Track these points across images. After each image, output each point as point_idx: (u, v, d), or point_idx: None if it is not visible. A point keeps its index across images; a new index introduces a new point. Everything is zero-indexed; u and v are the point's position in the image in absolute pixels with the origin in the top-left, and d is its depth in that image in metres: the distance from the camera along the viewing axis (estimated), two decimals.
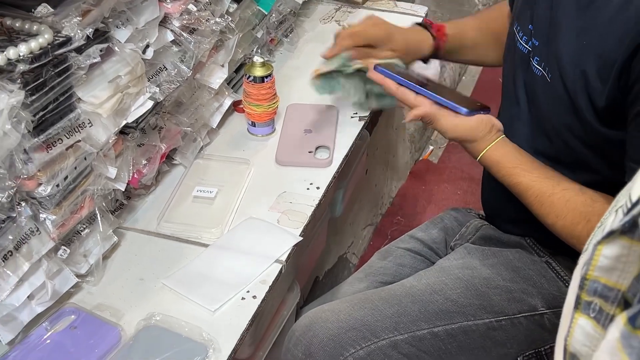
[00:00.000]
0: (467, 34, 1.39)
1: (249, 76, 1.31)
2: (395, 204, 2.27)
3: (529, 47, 1.13)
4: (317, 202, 1.21)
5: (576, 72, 1.01)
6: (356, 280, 1.39)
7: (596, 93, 0.99)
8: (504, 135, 1.13)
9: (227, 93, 1.38)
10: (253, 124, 1.36)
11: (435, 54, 1.37)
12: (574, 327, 0.51)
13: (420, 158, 2.54)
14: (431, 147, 2.59)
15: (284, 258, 1.11)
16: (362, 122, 1.39)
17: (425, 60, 1.39)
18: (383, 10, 1.73)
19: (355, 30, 1.30)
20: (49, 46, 0.89)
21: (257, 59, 1.31)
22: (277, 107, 1.36)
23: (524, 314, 1.21)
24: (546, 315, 1.21)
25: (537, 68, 1.10)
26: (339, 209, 1.63)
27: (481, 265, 1.25)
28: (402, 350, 1.15)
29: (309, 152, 1.31)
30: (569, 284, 1.17)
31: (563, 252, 1.22)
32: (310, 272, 1.66)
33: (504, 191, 1.13)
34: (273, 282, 1.08)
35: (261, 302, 1.05)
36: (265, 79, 1.31)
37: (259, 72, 1.30)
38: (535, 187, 1.07)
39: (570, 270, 1.21)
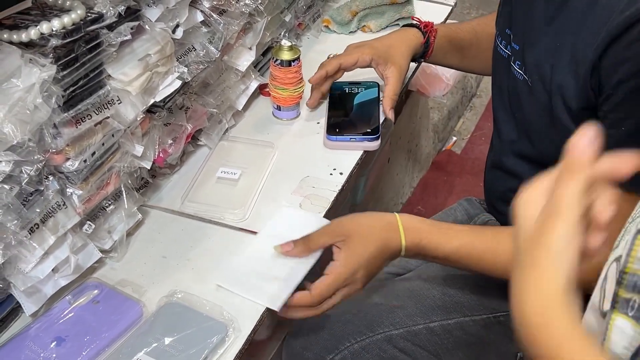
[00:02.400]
0: (458, 35, 1.39)
1: (276, 59, 1.31)
2: (416, 194, 2.27)
3: (509, 51, 1.12)
4: (340, 187, 1.21)
5: (553, 74, 0.99)
6: None
7: (570, 94, 0.96)
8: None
9: (253, 76, 1.38)
10: (278, 108, 1.37)
11: (424, 53, 1.38)
12: (611, 330, 0.48)
13: (443, 148, 2.53)
14: (454, 138, 2.58)
15: None
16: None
17: (415, 60, 1.40)
18: None
19: (341, 55, 1.35)
20: (82, 22, 0.90)
21: (285, 43, 1.31)
22: (302, 91, 1.36)
23: None
24: None
25: (519, 72, 1.08)
26: (360, 197, 1.63)
27: None
28: (398, 345, 1.15)
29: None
30: None
31: None
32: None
33: (506, 190, 1.12)
34: None
35: None
36: (293, 63, 1.31)
37: (286, 55, 1.30)
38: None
39: None
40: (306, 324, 1.17)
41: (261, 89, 1.44)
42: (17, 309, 1.00)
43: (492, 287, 1.19)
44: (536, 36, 1.03)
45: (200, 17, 1.16)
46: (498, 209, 1.26)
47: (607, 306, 0.50)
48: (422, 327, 1.16)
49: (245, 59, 1.32)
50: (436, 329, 1.16)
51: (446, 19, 1.65)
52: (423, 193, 2.28)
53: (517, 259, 0.55)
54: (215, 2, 1.16)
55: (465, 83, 2.71)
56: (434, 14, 1.67)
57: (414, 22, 1.39)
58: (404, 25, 1.42)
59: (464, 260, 1.03)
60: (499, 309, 1.18)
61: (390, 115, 1.31)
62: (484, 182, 1.29)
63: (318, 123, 1.37)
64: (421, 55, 1.39)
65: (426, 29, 1.37)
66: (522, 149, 1.12)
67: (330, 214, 1.19)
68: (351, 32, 1.63)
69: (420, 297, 1.19)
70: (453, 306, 1.18)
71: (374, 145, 1.29)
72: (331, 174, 1.24)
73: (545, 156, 1.07)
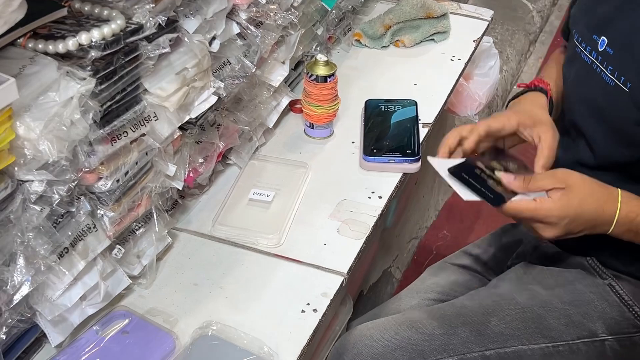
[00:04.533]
0: (559, 85, 1.26)
1: (311, 75, 1.24)
2: (441, 218, 2.20)
3: (594, 57, 1.09)
4: (379, 212, 1.15)
5: None
6: (407, 297, 1.33)
7: None
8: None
9: (284, 92, 1.32)
10: (311, 126, 1.30)
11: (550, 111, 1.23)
12: None
13: None
14: None
15: (345, 270, 1.05)
16: (426, 130, 1.33)
17: None
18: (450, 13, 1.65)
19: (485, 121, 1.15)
20: (121, 33, 0.83)
21: (321, 57, 1.24)
22: (337, 109, 1.29)
23: (583, 340, 1.13)
24: (607, 341, 1.13)
25: (612, 78, 1.06)
26: (391, 220, 1.57)
27: (539, 286, 1.19)
28: None
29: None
30: (632, 309, 1.10)
31: (627, 274, 1.16)
32: (359, 285, 1.60)
33: None
34: (334, 295, 1.02)
35: (322, 317, 0.99)
36: (328, 79, 1.25)
37: (322, 70, 1.24)
38: None
39: (635, 295, 1.14)
40: (353, 349, 1.11)
41: (291, 106, 1.38)
42: (40, 339, 0.94)
43: (552, 314, 1.14)
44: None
45: (236, 29, 1.10)
46: None
47: None
48: (478, 354, 1.10)
49: (278, 74, 1.25)
50: (492, 357, 1.10)
51: (483, 34, 1.60)
52: (449, 217, 2.21)
53: None
54: (252, 14, 1.10)
55: (491, 102, 2.65)
56: (470, 28, 1.62)
57: (534, 86, 1.25)
58: (521, 92, 1.26)
59: None
60: (559, 338, 1.12)
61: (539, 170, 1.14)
62: None
63: (353, 142, 1.30)
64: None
65: (543, 86, 1.23)
66: (605, 153, 1.11)
67: (370, 240, 1.12)
68: (383, 46, 1.57)
69: (475, 323, 1.12)
70: (510, 334, 1.12)
71: (414, 167, 1.22)
72: (369, 197, 1.18)
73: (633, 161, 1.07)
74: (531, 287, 1.18)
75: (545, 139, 1.10)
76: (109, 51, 0.82)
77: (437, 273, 1.36)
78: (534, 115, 1.14)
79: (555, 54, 1.36)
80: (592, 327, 1.13)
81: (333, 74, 1.25)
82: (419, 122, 1.32)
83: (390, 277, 1.90)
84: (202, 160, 1.12)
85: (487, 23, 1.65)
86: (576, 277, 1.18)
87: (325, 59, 1.25)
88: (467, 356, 1.10)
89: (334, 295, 1.02)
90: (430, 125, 1.34)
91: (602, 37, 1.09)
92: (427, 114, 1.36)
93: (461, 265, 1.36)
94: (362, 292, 1.70)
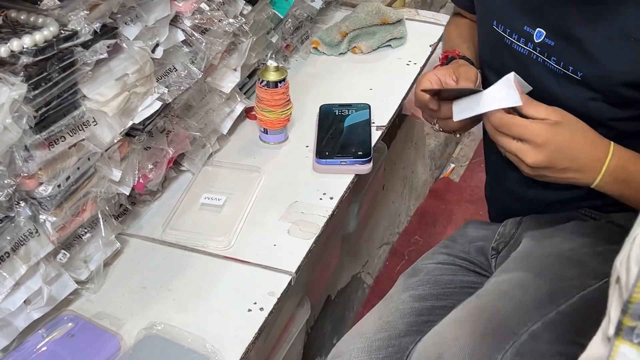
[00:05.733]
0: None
1: (262, 80, 1.27)
2: (413, 223, 2.21)
3: (530, 48, 1.11)
4: (330, 212, 1.16)
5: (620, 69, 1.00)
6: (385, 307, 1.20)
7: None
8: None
9: (239, 99, 1.34)
10: (265, 131, 1.32)
11: None
12: (615, 357, 0.47)
13: (441, 176, 2.48)
14: (452, 165, 2.53)
15: (293, 269, 1.06)
16: (379, 132, 1.34)
17: None
18: (405, 19, 1.68)
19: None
20: (54, 39, 0.85)
21: (271, 63, 1.27)
22: (290, 113, 1.31)
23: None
24: None
25: (557, 67, 1.07)
26: (353, 224, 1.58)
27: (554, 242, 1.16)
28: (544, 339, 1.04)
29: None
30: None
31: (619, 210, 1.15)
32: (323, 289, 1.61)
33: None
34: (282, 294, 1.03)
35: (268, 315, 1.00)
36: (279, 84, 1.27)
37: (272, 76, 1.26)
38: None
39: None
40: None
41: (247, 112, 1.40)
42: None
43: (586, 257, 1.11)
44: (592, 33, 1.04)
45: (181, 37, 1.12)
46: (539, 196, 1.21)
47: (611, 331, 0.49)
48: (554, 313, 1.05)
49: (229, 81, 1.27)
50: (566, 310, 1.06)
51: (439, 39, 1.62)
52: (421, 222, 2.22)
53: None
54: (197, 21, 1.12)
55: None
56: (425, 34, 1.64)
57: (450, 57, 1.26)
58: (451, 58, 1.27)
59: None
60: (607, 273, 1.11)
61: None
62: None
63: (307, 146, 1.32)
64: None
65: (459, 54, 1.25)
66: None
67: (321, 241, 1.14)
68: (341, 53, 1.59)
69: (531, 289, 1.08)
70: (568, 285, 1.08)
71: (365, 168, 1.24)
72: (321, 199, 1.19)
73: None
74: (550, 245, 1.16)
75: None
76: (40, 57, 0.84)
77: (416, 274, 1.30)
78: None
79: (452, 25, 1.38)
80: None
81: (284, 80, 1.27)
82: (372, 124, 1.33)
83: (360, 282, 1.91)
84: (152, 166, 1.14)
85: (444, 27, 1.67)
86: (577, 227, 1.17)
87: (276, 64, 1.27)
88: (548, 317, 1.05)
89: (281, 294, 1.03)
90: (384, 127, 1.36)
91: (538, 29, 1.10)
92: (382, 117, 1.38)
93: (438, 262, 1.27)
94: (330, 297, 1.71)
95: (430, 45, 1.61)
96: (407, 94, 1.47)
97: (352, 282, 1.85)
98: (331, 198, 1.20)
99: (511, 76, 1.01)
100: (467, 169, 2.52)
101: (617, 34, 1.01)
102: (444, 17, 1.71)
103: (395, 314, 1.16)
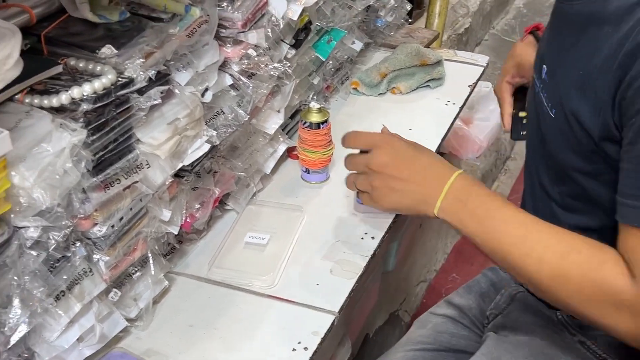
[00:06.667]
0: None
1: (305, 122, 1.30)
2: (449, 261, 2.21)
3: (540, 84, 1.12)
4: (372, 252, 1.18)
5: (573, 105, 0.99)
6: (394, 352, 1.34)
7: (591, 124, 0.96)
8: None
9: (281, 139, 1.37)
10: (307, 171, 1.35)
11: None
12: None
13: None
14: None
15: (337, 309, 1.08)
16: None
17: None
18: (444, 60, 1.70)
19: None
20: (112, 87, 0.89)
21: (314, 105, 1.30)
22: (332, 154, 1.34)
23: None
24: None
25: (546, 106, 1.08)
26: (392, 263, 1.59)
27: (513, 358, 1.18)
28: None
29: None
30: None
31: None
32: (361, 327, 1.62)
33: None
34: (325, 333, 1.04)
35: (313, 354, 1.01)
36: (322, 125, 1.29)
37: (315, 118, 1.29)
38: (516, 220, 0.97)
39: (610, 346, 1.10)
40: None
41: (289, 152, 1.43)
42: None
43: None
44: (560, 67, 1.04)
45: (229, 81, 1.16)
46: None
47: None
48: None
49: (273, 122, 1.31)
50: None
51: (478, 80, 1.64)
52: (457, 260, 2.22)
53: None
54: (244, 66, 1.16)
55: (499, 146, 2.68)
56: (465, 75, 1.66)
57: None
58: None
59: (507, 227, 0.95)
60: None
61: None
62: None
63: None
64: None
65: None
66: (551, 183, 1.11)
67: (362, 280, 1.15)
68: (380, 93, 1.62)
69: None
70: None
71: None
72: (362, 239, 1.21)
73: (571, 193, 1.07)
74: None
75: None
76: (99, 104, 0.87)
77: (424, 325, 1.37)
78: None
79: None
80: None
81: (326, 121, 1.30)
82: None
83: (398, 320, 1.91)
84: (199, 206, 1.17)
85: (483, 69, 1.70)
86: (548, 340, 1.17)
87: (318, 106, 1.30)
88: None
89: (325, 333, 1.04)
90: None
91: (544, 65, 1.12)
92: None
93: (445, 315, 1.38)
94: (368, 335, 1.72)
95: (468, 86, 1.64)
96: (446, 134, 1.49)
97: (390, 320, 1.86)
98: (372, 238, 1.21)
99: None
100: None
101: (576, 69, 1.00)
102: (482, 58, 1.73)
103: None
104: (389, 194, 1.05)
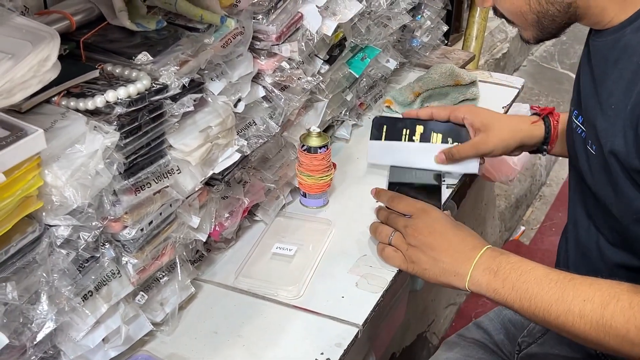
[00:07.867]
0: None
1: (303, 145, 1.27)
2: None
3: (584, 128, 1.10)
4: (397, 268, 1.17)
5: (606, 139, 0.99)
6: None
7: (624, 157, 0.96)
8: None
9: None
10: (304, 195, 1.33)
11: (543, 145, 1.35)
12: None
13: (511, 238, 2.45)
14: (523, 228, 2.50)
15: (361, 321, 1.07)
16: (450, 190, 1.36)
17: (539, 150, 1.37)
18: (478, 81, 1.70)
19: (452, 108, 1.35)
20: (146, 92, 0.91)
21: (314, 129, 1.27)
22: (330, 180, 1.31)
23: None
24: None
25: (589, 149, 1.07)
26: (420, 283, 1.58)
27: None
28: None
29: None
30: None
31: None
32: (387, 345, 1.60)
33: None
34: (348, 345, 1.04)
35: None
36: (319, 150, 1.26)
37: (314, 142, 1.27)
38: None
39: None
40: None
41: None
42: None
43: None
44: (595, 108, 1.03)
45: (262, 93, 1.17)
46: None
47: None
48: None
49: None
50: None
51: (512, 102, 1.63)
52: None
53: None
54: (277, 78, 1.18)
55: (535, 171, 2.66)
56: (499, 97, 1.66)
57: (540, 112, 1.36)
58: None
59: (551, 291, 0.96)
60: None
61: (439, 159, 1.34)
62: None
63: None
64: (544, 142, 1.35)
65: (550, 116, 1.34)
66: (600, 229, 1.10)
67: (388, 295, 1.15)
68: None
69: None
70: None
71: None
72: None
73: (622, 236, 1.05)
74: None
75: (471, 142, 1.31)
76: (133, 108, 0.89)
77: (452, 348, 1.36)
78: (488, 124, 1.32)
79: None
80: None
81: (325, 146, 1.27)
82: (443, 182, 1.35)
83: (425, 342, 1.90)
84: (228, 215, 1.18)
85: (518, 91, 1.69)
86: None
87: (319, 130, 1.28)
88: None
89: (348, 345, 1.04)
90: (454, 186, 1.37)
91: (580, 103, 1.12)
92: (453, 176, 1.39)
93: (473, 339, 1.36)
94: (395, 354, 1.70)
95: (502, 107, 1.63)
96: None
97: (418, 341, 1.84)
98: None
99: None
100: (537, 232, 2.48)
101: (604, 106, 1.00)
102: (517, 80, 1.72)
103: None
104: (422, 258, 1.09)
